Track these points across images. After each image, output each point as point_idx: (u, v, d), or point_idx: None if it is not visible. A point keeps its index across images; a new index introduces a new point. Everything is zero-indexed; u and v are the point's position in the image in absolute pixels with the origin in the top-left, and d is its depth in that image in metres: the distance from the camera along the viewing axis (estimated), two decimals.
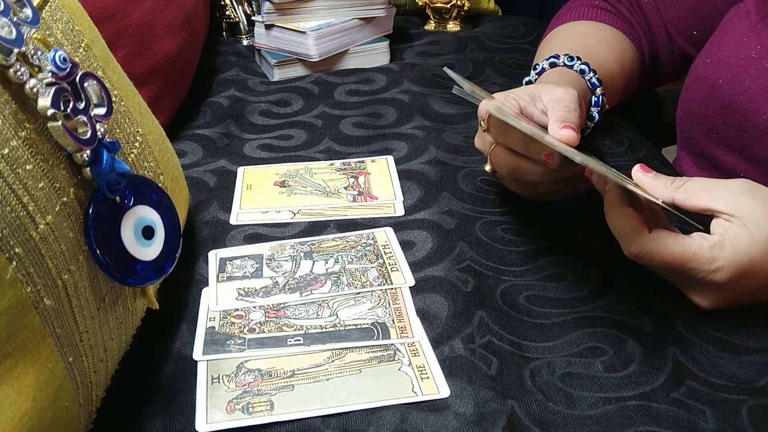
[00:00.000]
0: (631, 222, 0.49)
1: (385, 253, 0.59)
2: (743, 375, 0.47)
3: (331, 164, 0.72)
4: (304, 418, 0.44)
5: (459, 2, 1.09)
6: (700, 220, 0.52)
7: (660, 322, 0.52)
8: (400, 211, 0.65)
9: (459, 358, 0.48)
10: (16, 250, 0.34)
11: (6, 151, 0.35)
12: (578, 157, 0.49)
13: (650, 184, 0.52)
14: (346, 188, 0.68)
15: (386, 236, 0.61)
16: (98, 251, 0.39)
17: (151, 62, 0.74)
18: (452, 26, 1.11)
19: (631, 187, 0.49)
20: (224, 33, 1.08)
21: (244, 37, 1.06)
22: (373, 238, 0.61)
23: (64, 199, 0.38)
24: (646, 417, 0.44)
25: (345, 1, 0.95)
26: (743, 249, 0.48)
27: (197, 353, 0.49)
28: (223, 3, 1.05)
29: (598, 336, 0.51)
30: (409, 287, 0.55)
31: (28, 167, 0.36)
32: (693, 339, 0.50)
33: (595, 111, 0.72)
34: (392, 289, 0.55)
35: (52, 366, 0.36)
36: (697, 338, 0.50)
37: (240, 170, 0.71)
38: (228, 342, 0.50)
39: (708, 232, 0.50)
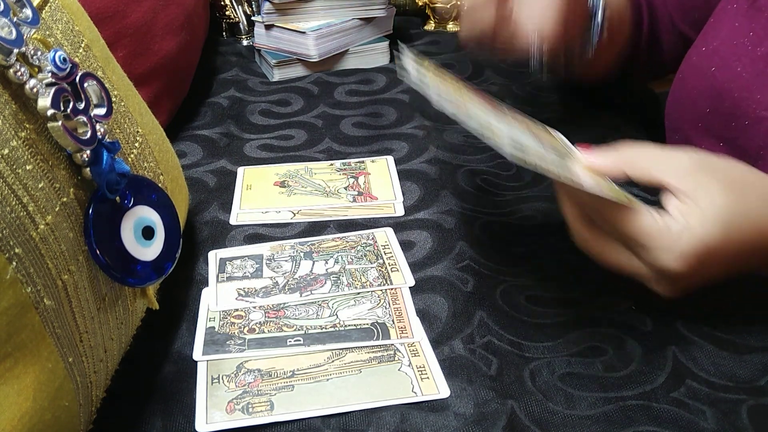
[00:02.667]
0: (606, 200, 0.46)
1: (385, 254, 0.59)
2: (743, 374, 0.47)
3: (331, 164, 0.72)
4: (304, 419, 0.44)
5: (459, 2, 1.09)
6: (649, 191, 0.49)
7: (660, 322, 0.52)
8: (400, 211, 0.65)
9: (459, 358, 0.48)
10: (16, 250, 0.34)
11: (6, 151, 0.35)
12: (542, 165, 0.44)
13: (598, 164, 0.48)
14: (346, 188, 0.68)
15: (386, 236, 0.61)
16: (98, 251, 0.39)
17: (151, 62, 0.74)
18: (452, 26, 1.11)
19: (577, 182, 0.45)
20: (224, 33, 1.08)
21: (244, 37, 1.06)
22: (373, 239, 0.61)
23: (64, 199, 0.38)
24: (646, 417, 0.44)
25: (345, 1, 0.95)
26: (698, 236, 0.44)
27: (197, 353, 0.49)
28: (223, 3, 1.05)
29: (598, 336, 0.51)
30: (409, 287, 0.55)
31: (28, 167, 0.36)
32: (693, 338, 0.50)
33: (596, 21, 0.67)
34: (392, 289, 0.55)
35: (52, 366, 0.36)
36: (698, 337, 0.50)
37: (240, 170, 0.71)
38: (228, 342, 0.50)
39: (659, 203, 0.47)
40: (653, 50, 0.81)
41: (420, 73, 0.52)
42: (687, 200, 0.45)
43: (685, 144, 0.69)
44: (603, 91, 0.87)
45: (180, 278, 0.56)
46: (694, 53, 0.70)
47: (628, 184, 0.47)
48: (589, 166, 0.48)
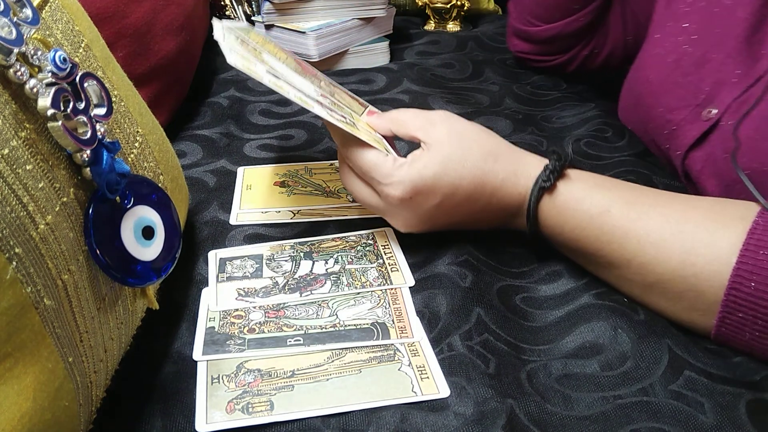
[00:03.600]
0: (352, 140, 0.56)
1: (385, 254, 0.59)
2: (741, 367, 0.47)
3: (331, 164, 0.72)
4: (304, 418, 0.44)
5: (459, 2, 1.09)
6: None
7: (654, 317, 0.51)
8: None
9: (458, 356, 0.48)
10: (16, 250, 0.34)
11: (6, 151, 0.35)
12: (316, 109, 0.55)
13: (372, 122, 0.59)
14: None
15: (386, 236, 0.61)
16: (98, 251, 0.39)
17: (151, 62, 0.74)
18: (452, 26, 1.11)
19: (341, 125, 0.55)
20: None
21: None
22: (373, 239, 0.61)
23: (64, 199, 0.38)
24: (645, 413, 0.44)
25: (345, 1, 0.95)
26: (417, 168, 0.54)
27: (197, 353, 0.49)
28: (223, 3, 1.05)
29: (593, 333, 0.50)
30: (409, 287, 0.55)
31: (28, 167, 0.36)
32: (688, 336, 0.50)
33: None
34: (392, 289, 0.55)
35: (52, 366, 0.36)
36: (691, 336, 0.50)
37: (240, 170, 0.72)
38: (228, 342, 0.50)
39: None
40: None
41: (243, 49, 0.58)
42: (423, 147, 0.55)
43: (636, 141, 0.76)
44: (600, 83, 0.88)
45: (180, 278, 0.56)
46: (632, 68, 0.76)
47: None
48: (368, 123, 0.59)
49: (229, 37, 0.56)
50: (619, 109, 0.78)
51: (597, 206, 0.52)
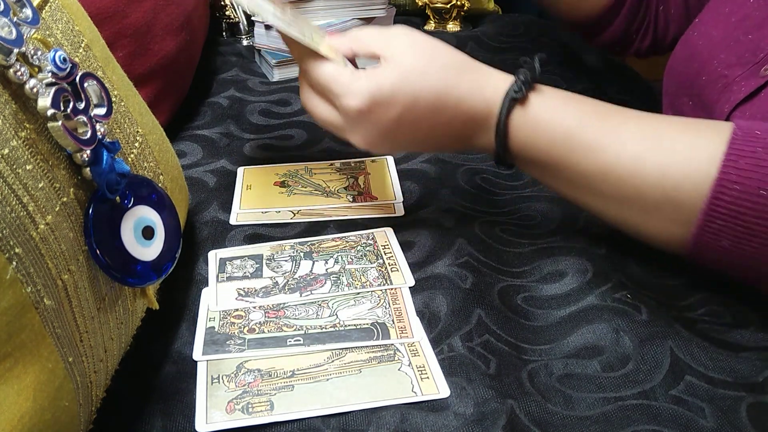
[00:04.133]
0: (311, 55, 0.54)
1: (385, 254, 0.59)
2: (742, 371, 0.47)
3: (331, 164, 0.72)
4: (304, 418, 0.44)
5: (459, 2, 1.09)
6: None
7: (655, 313, 0.51)
8: (400, 211, 0.65)
9: (458, 356, 0.48)
10: (16, 250, 0.34)
11: (6, 151, 0.35)
12: (278, 23, 0.53)
13: (334, 42, 0.56)
14: (346, 188, 0.68)
15: (386, 236, 0.61)
16: (98, 251, 0.39)
17: (151, 62, 0.74)
18: (452, 26, 1.11)
19: (312, 46, 0.53)
20: (224, 33, 1.08)
21: (244, 37, 1.06)
22: (373, 239, 0.61)
23: (64, 199, 0.38)
24: (646, 415, 0.44)
25: (345, 1, 0.95)
26: (376, 78, 0.51)
27: (197, 353, 0.49)
28: (223, 3, 1.05)
29: (595, 334, 0.50)
30: (409, 287, 0.55)
31: (28, 167, 0.36)
32: (690, 336, 0.50)
33: None
34: (392, 289, 0.55)
35: (52, 366, 0.36)
36: (694, 335, 0.50)
37: (240, 170, 0.72)
38: (228, 342, 0.50)
39: None
40: (658, 21, 0.83)
41: None
42: (383, 60, 0.53)
43: (671, 106, 0.74)
44: (601, 82, 0.88)
45: (180, 278, 0.56)
46: (690, 27, 0.73)
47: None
48: (329, 44, 0.55)
49: None
50: (667, 65, 0.75)
51: (572, 118, 0.51)
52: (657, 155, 0.48)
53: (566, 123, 0.51)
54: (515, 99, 0.51)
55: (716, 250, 0.48)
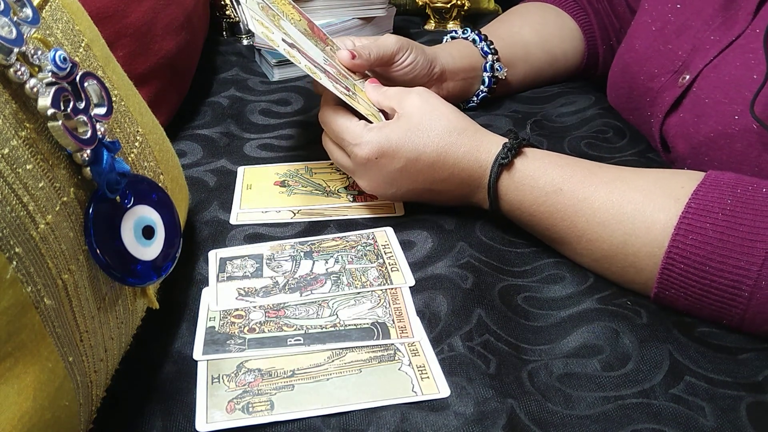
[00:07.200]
0: (330, 106, 0.63)
1: (385, 253, 0.59)
2: (741, 371, 0.47)
3: (331, 164, 0.72)
4: (304, 418, 0.44)
5: (459, 2, 1.09)
6: None
7: (655, 316, 0.52)
8: (400, 211, 0.65)
9: (458, 356, 0.48)
10: (16, 249, 0.34)
11: (6, 150, 0.35)
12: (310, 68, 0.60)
13: (368, 93, 0.66)
14: (346, 188, 0.68)
15: (386, 236, 0.61)
16: (98, 251, 0.39)
17: (151, 62, 0.74)
18: (452, 26, 1.11)
19: (342, 97, 0.61)
20: (224, 33, 1.08)
21: (244, 37, 1.06)
22: (373, 238, 0.61)
23: (64, 198, 0.38)
24: (646, 414, 0.44)
25: (345, 1, 0.95)
26: (385, 132, 0.59)
27: (197, 353, 0.49)
28: (223, 3, 1.05)
29: (595, 334, 0.50)
30: (409, 287, 0.55)
31: (28, 167, 0.36)
32: (688, 342, 0.50)
33: (486, 75, 0.81)
34: (392, 289, 0.55)
35: (52, 366, 0.36)
36: (692, 341, 0.50)
37: (240, 170, 0.71)
38: (228, 342, 0.50)
39: None
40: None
41: (263, 13, 0.64)
42: (396, 116, 0.61)
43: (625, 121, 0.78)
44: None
45: (180, 278, 0.56)
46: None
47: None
48: (367, 100, 0.65)
49: (251, 1, 0.61)
50: (608, 84, 0.79)
51: (551, 184, 0.56)
52: (621, 224, 0.52)
53: (546, 188, 0.56)
54: (502, 164, 0.57)
55: (677, 307, 0.52)
